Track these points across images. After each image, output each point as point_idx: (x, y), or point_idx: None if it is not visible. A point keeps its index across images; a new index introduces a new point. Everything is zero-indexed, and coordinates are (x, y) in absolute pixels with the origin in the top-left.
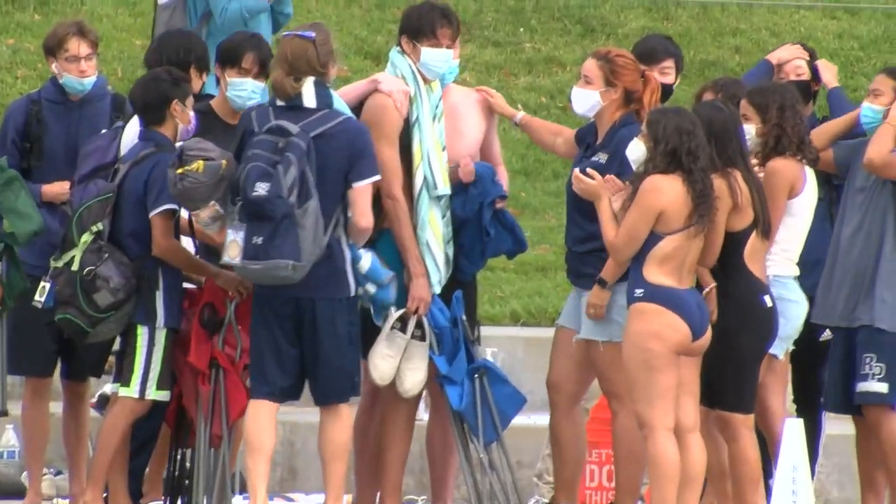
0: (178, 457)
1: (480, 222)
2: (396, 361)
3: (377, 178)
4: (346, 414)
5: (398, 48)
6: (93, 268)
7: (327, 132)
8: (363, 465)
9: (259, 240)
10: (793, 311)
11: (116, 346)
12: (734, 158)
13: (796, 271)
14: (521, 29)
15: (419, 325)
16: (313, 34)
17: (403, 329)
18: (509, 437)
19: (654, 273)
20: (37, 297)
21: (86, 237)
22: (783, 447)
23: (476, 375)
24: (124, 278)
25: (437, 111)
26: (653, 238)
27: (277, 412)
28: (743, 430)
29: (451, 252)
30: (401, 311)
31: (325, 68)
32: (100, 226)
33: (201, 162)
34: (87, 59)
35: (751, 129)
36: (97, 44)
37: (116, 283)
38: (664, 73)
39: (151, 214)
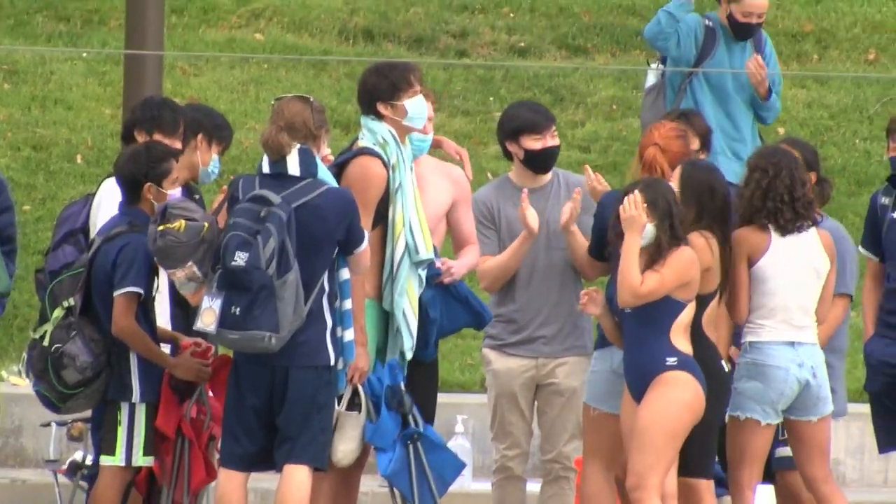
0: None
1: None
2: None
3: (367, 237)
4: (302, 478)
5: (371, 116)
6: (60, 345)
7: (311, 202)
8: None
9: (237, 310)
10: (772, 375)
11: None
12: (711, 221)
13: (790, 337)
14: (491, 98)
15: (356, 393)
16: (311, 97)
17: (339, 398)
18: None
19: (682, 341)
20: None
21: (57, 312)
22: None
23: (409, 442)
24: (93, 356)
25: (411, 164)
26: (676, 306)
27: (249, 479)
28: (707, 496)
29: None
30: None
31: (319, 131)
32: (71, 301)
33: (183, 221)
34: None
35: None
36: None
37: (83, 362)
38: (553, 136)
39: (115, 294)
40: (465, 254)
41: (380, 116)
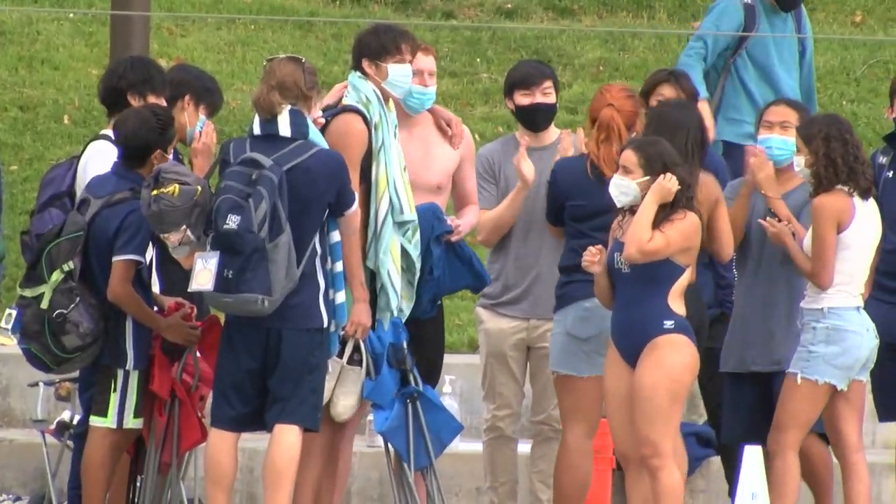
0: (138, 484)
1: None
2: (331, 384)
3: (356, 199)
4: (293, 439)
5: (357, 73)
6: (63, 311)
7: (302, 164)
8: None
9: (230, 273)
10: (851, 341)
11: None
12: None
13: (858, 302)
14: (478, 59)
15: (357, 349)
16: (304, 59)
17: (341, 353)
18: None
19: (678, 305)
20: (2, 324)
21: (56, 276)
22: (742, 474)
23: (408, 400)
24: (94, 322)
25: (395, 130)
26: (676, 270)
27: (239, 439)
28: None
29: (415, 280)
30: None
31: (311, 93)
32: (70, 265)
33: (177, 186)
34: None
35: (800, 161)
36: None
37: (86, 329)
38: (546, 94)
39: (115, 259)
40: (467, 213)
41: (364, 74)
